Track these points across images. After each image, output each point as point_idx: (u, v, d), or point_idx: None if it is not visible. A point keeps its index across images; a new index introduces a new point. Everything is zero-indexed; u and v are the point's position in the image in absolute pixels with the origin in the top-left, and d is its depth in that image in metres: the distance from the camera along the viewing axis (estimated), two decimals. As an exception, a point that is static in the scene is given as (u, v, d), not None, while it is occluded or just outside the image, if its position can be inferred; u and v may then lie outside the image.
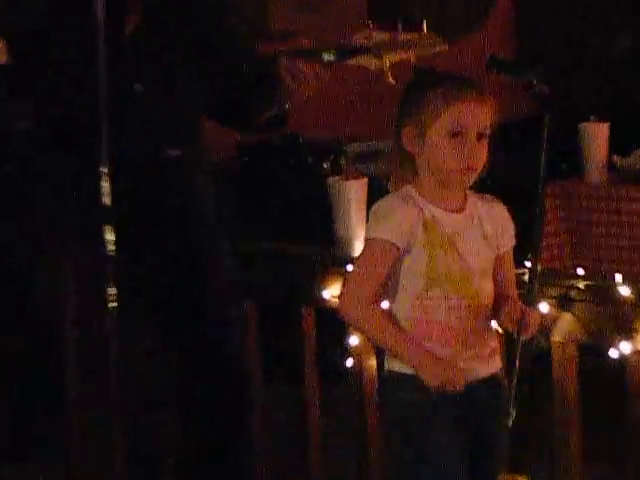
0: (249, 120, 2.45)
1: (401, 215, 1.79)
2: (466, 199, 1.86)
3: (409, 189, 1.83)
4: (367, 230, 1.87)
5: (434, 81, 1.82)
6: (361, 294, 1.81)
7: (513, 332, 1.87)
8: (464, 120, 1.78)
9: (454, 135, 1.78)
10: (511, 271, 1.93)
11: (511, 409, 1.89)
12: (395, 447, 1.91)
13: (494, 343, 1.89)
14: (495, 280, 1.88)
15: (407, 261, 1.81)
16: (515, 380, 1.91)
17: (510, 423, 1.90)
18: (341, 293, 1.97)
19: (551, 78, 2.09)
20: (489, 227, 1.86)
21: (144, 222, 2.33)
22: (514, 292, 1.91)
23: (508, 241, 1.90)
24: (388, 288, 1.84)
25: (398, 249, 1.79)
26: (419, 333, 1.82)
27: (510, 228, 1.91)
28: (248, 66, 2.35)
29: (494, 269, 1.87)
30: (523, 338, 1.88)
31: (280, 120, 2.45)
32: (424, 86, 1.82)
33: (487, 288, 1.85)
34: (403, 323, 1.82)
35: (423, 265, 1.80)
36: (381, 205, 1.83)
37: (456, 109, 1.77)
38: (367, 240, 1.84)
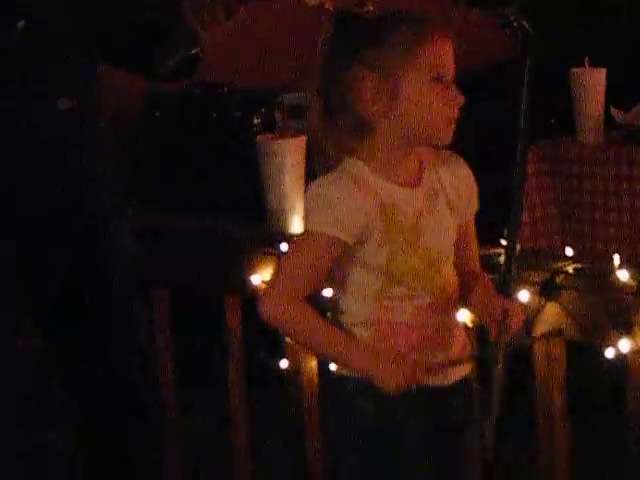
0: (147, 68, 2.50)
1: (352, 203, 1.78)
2: (422, 166, 1.86)
3: (356, 164, 1.82)
4: (307, 218, 1.85)
5: (392, 20, 1.81)
6: (290, 294, 1.82)
7: (490, 330, 1.90)
8: (443, 60, 1.79)
9: (436, 80, 1.78)
10: (474, 242, 1.97)
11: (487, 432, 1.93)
12: (349, 469, 1.94)
13: (464, 340, 1.94)
14: (458, 254, 1.91)
15: (360, 255, 1.81)
16: (494, 395, 1.94)
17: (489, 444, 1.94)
18: (265, 289, 1.97)
19: (534, 12, 2.11)
20: (452, 193, 1.88)
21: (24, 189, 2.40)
22: (477, 267, 1.96)
23: (473, 207, 1.93)
24: (340, 285, 1.86)
25: (347, 245, 1.79)
26: (381, 338, 1.84)
27: (475, 190, 1.93)
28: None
29: (456, 243, 1.90)
30: (505, 339, 1.90)
31: (188, 67, 2.49)
32: (382, 28, 1.80)
33: (452, 275, 1.89)
34: (360, 328, 1.84)
35: (383, 262, 1.81)
36: (324, 187, 1.81)
37: (431, 49, 1.78)
38: (307, 232, 1.83)
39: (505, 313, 1.86)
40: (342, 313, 1.86)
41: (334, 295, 1.89)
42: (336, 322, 1.88)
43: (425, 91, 1.78)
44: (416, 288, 1.84)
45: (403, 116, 1.79)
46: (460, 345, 1.92)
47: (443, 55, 1.79)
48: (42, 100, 2.39)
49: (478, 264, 1.97)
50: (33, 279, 2.49)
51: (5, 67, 2.34)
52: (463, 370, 1.92)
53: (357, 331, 1.84)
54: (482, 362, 2.05)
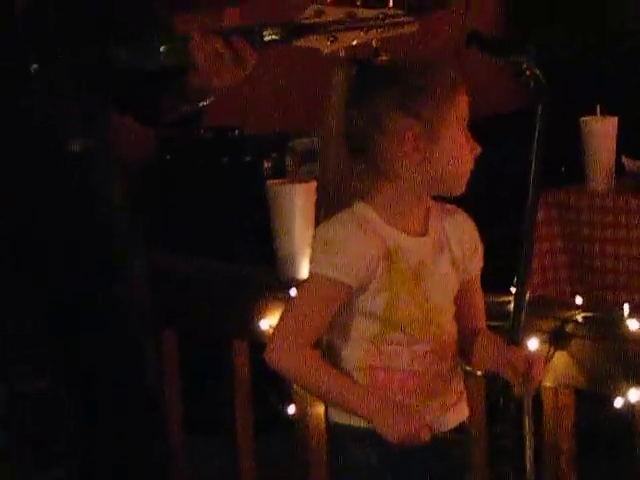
0: (154, 117, 2.58)
1: (357, 248, 1.82)
2: (428, 215, 1.90)
3: (365, 208, 1.85)
4: (312, 261, 1.88)
5: (432, 70, 1.87)
6: (297, 339, 1.85)
7: (514, 383, 1.96)
8: (467, 109, 1.84)
9: (464, 130, 1.83)
10: (479, 298, 1.99)
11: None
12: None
13: (461, 387, 1.96)
14: (461, 311, 1.94)
15: (361, 301, 1.85)
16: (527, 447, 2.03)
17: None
18: (271, 335, 1.99)
19: (545, 61, 2.13)
20: (457, 249, 1.92)
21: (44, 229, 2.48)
22: (483, 323, 1.98)
23: (477, 264, 1.96)
24: (336, 329, 1.89)
25: (351, 289, 1.82)
26: (377, 384, 1.87)
27: (480, 248, 1.96)
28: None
29: (460, 298, 1.93)
30: (532, 389, 1.99)
31: (195, 116, 2.54)
32: (423, 78, 1.85)
33: (452, 325, 1.92)
34: (356, 373, 1.87)
35: (381, 307, 1.85)
36: (330, 231, 1.85)
37: (463, 99, 1.83)
38: (311, 275, 1.86)
39: (528, 363, 1.89)
40: (339, 358, 1.89)
41: (330, 340, 1.92)
42: (334, 367, 1.92)
43: (460, 141, 1.83)
44: (414, 335, 1.86)
45: (436, 165, 1.83)
46: (457, 394, 1.95)
47: (466, 103, 1.85)
48: (56, 140, 2.47)
49: (484, 320, 2.00)
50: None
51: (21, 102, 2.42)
52: (461, 416, 1.95)
53: (355, 376, 1.87)
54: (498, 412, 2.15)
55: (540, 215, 3.50)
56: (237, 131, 4.02)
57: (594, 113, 3.61)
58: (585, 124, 3.57)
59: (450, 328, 1.92)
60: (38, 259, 2.49)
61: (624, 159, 3.63)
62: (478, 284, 1.99)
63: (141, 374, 2.62)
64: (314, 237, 1.88)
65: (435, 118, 1.81)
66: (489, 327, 2.02)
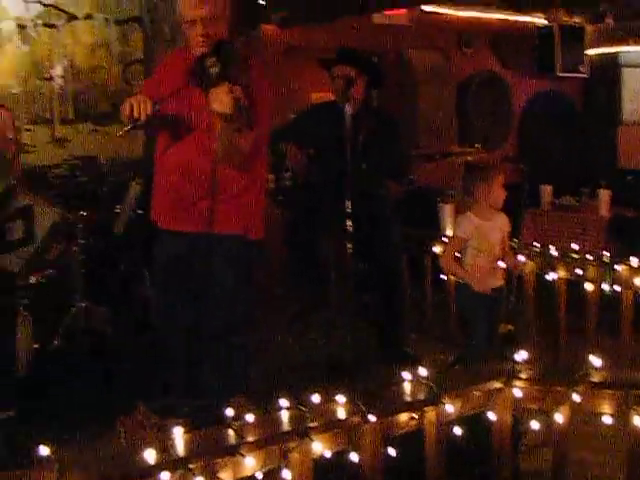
0: (401, 180, 6.23)
1: (468, 226, 5.34)
2: (493, 212, 5.37)
3: (468, 212, 5.39)
4: (453, 228, 5.62)
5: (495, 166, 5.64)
6: (450, 254, 5.49)
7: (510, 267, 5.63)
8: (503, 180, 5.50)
9: (500, 186, 5.38)
10: (507, 244, 5.49)
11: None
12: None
13: (502, 274, 5.49)
14: (501, 246, 5.45)
15: (468, 243, 5.36)
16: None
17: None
18: (441, 253, 6.30)
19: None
20: (503, 225, 5.44)
21: (366, 232, 5.78)
22: (508, 251, 5.56)
23: (507, 230, 5.44)
24: (462, 251, 5.45)
25: (465, 239, 5.36)
26: (473, 270, 5.42)
27: (508, 225, 5.47)
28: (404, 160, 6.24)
29: (500, 243, 5.46)
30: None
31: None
32: (486, 172, 5.39)
33: (498, 251, 5.41)
34: (466, 267, 5.43)
35: (474, 245, 5.34)
36: (459, 220, 5.41)
37: (500, 177, 5.40)
38: (454, 234, 5.54)
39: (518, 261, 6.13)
40: (463, 262, 5.41)
41: (461, 254, 5.42)
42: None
43: (498, 191, 5.39)
44: (484, 252, 5.36)
45: (491, 199, 5.36)
46: (500, 276, 5.43)
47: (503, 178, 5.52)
48: None
49: (508, 250, 5.50)
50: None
51: None
52: (499, 282, 5.43)
53: (467, 268, 5.39)
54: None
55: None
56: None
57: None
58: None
59: (498, 251, 5.36)
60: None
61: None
62: (507, 239, 5.46)
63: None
64: (455, 222, 5.59)
65: (490, 185, 5.28)
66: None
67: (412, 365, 3.74)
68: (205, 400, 4.01)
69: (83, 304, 5.89)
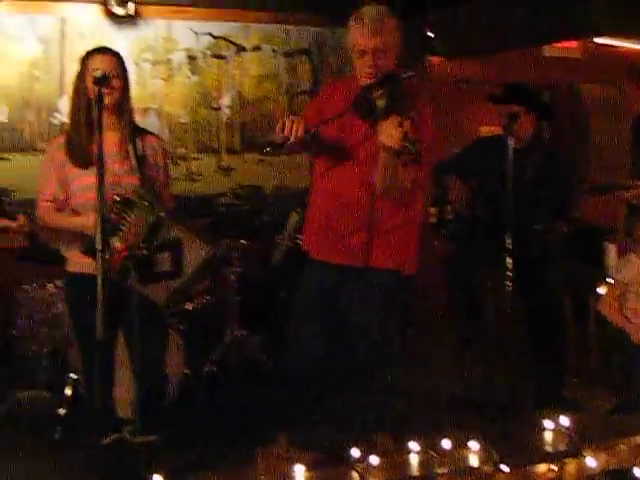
0: (566, 216, 5.87)
1: (628, 268, 5.38)
2: None
3: None
4: None
5: None
6: None
7: None
8: None
9: None
10: None
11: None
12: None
13: None
14: None
15: None
16: None
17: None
18: None
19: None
20: None
21: (526, 269, 5.45)
22: None
23: None
24: None
25: None
26: None
27: None
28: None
29: None
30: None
31: None
32: None
33: None
34: None
35: None
36: None
37: None
38: None
39: None
40: (625, 307, 5.35)
41: None
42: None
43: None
44: None
45: None
46: None
47: None
48: None
49: None
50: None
51: None
52: None
53: (628, 314, 5.24)
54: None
55: None
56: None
57: None
58: None
59: None
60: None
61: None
62: None
63: None
64: (617, 264, 5.89)
65: None
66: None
67: (571, 410, 3.69)
68: (347, 434, 3.96)
69: (237, 332, 6.01)
